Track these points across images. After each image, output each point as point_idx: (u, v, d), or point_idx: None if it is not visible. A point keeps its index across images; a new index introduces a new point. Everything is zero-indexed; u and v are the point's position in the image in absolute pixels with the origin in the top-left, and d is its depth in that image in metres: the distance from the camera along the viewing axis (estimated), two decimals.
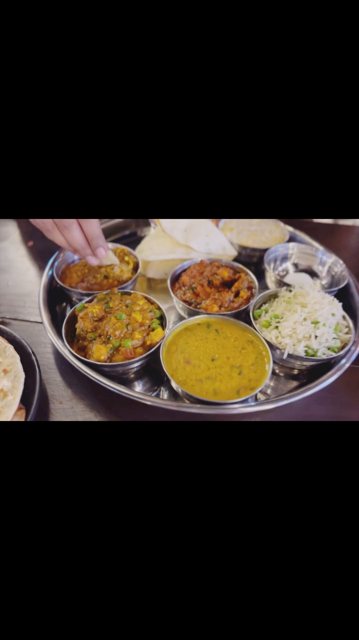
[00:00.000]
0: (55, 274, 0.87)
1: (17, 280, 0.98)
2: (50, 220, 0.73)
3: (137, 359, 0.69)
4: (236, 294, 0.84)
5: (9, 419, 0.60)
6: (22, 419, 0.62)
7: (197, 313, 0.79)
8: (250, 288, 0.85)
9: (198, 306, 0.81)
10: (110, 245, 0.96)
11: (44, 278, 0.87)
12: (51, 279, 0.89)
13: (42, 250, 1.07)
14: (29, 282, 0.98)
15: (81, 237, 0.74)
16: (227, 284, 0.89)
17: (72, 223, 0.72)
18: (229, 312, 0.79)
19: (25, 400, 0.65)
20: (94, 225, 0.74)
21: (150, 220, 1.08)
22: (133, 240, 1.11)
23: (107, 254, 0.81)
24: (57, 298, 0.89)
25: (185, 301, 0.82)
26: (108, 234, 1.10)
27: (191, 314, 0.80)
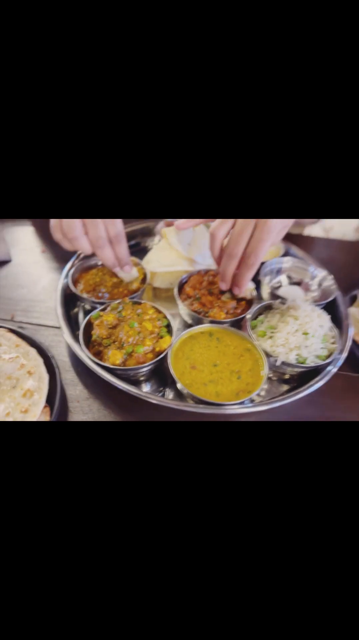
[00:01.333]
0: (70, 282, 0.95)
1: (32, 287, 1.05)
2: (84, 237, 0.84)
3: (147, 363, 0.77)
4: (238, 301, 0.94)
5: (37, 417, 0.67)
6: (48, 417, 0.70)
7: (202, 321, 0.88)
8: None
9: (206, 314, 0.90)
10: None
11: (60, 285, 0.95)
12: (65, 286, 0.96)
13: (54, 258, 1.14)
14: (43, 288, 1.05)
15: (112, 255, 0.88)
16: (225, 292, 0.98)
17: (105, 244, 0.85)
18: (233, 319, 0.88)
19: (48, 399, 0.73)
20: (124, 247, 0.89)
21: (155, 231, 1.16)
22: (137, 250, 1.19)
23: (132, 271, 0.94)
24: (69, 304, 0.97)
25: (194, 311, 0.90)
26: None
27: (198, 321, 0.88)
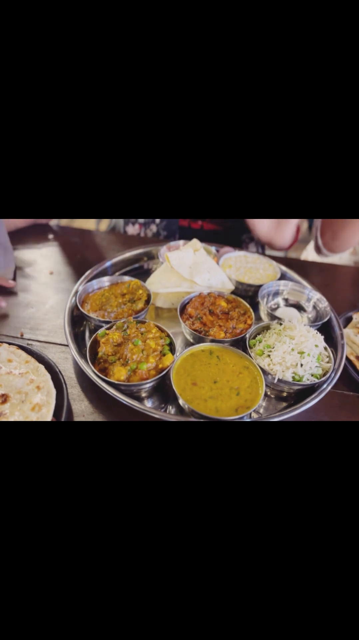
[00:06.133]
0: (77, 302, 1.00)
1: (40, 307, 1.10)
2: None
3: (151, 380, 0.81)
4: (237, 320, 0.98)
5: None
6: None
7: (204, 340, 0.92)
8: (246, 314, 1.00)
9: (207, 334, 0.94)
10: (126, 278, 1.10)
11: (68, 305, 1.00)
12: (73, 306, 1.01)
13: (62, 279, 1.20)
14: (51, 307, 1.10)
15: None
16: (226, 312, 1.03)
17: None
18: (232, 339, 0.92)
19: (55, 413, 0.76)
20: None
21: (158, 255, 1.22)
22: (141, 272, 1.26)
23: None
24: (76, 323, 1.01)
25: (195, 330, 0.95)
26: (120, 266, 1.24)
27: (199, 340, 0.93)
